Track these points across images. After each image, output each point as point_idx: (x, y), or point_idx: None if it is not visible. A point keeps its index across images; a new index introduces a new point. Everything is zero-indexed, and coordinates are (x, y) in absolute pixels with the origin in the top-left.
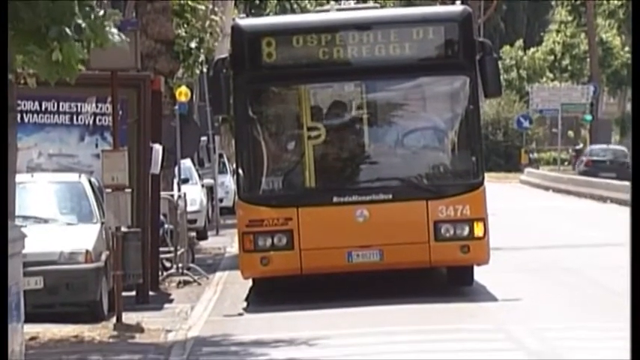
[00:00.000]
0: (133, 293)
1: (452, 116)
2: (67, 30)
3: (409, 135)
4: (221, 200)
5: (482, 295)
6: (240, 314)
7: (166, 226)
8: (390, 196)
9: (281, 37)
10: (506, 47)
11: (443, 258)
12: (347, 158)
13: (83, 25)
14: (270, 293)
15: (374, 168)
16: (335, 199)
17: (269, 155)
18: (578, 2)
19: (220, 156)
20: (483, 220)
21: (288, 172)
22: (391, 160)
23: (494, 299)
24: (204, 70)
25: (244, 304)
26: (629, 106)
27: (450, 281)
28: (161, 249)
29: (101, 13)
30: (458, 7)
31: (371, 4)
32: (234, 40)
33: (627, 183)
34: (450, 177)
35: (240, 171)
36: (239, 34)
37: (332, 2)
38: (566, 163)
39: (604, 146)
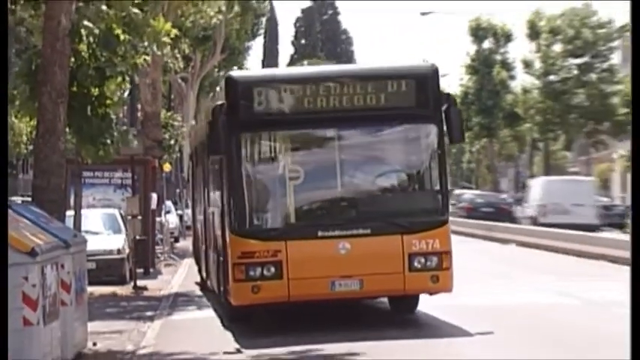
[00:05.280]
0: (142, 270)
1: (422, 160)
2: (107, 138)
3: (384, 176)
4: (186, 222)
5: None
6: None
7: (159, 235)
8: (369, 231)
9: (269, 87)
10: None
11: (416, 287)
12: (331, 197)
13: (116, 135)
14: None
15: (354, 206)
16: (320, 234)
17: (259, 193)
18: None
19: (186, 200)
20: (449, 252)
21: (278, 208)
22: (369, 198)
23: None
24: (177, 155)
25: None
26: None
27: (393, 309)
28: (156, 247)
29: (125, 128)
30: (427, 64)
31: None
32: (228, 90)
33: (470, 220)
34: (421, 214)
35: (233, 207)
36: (233, 85)
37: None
38: None
39: (479, 192)
